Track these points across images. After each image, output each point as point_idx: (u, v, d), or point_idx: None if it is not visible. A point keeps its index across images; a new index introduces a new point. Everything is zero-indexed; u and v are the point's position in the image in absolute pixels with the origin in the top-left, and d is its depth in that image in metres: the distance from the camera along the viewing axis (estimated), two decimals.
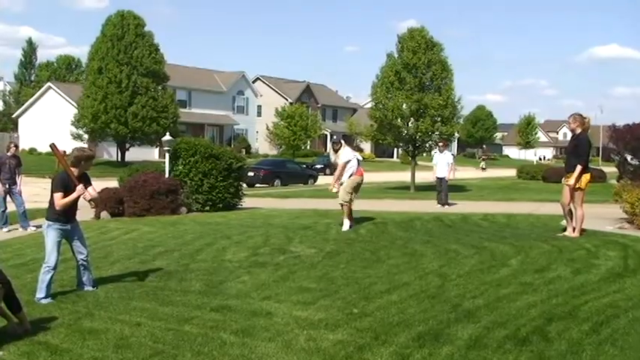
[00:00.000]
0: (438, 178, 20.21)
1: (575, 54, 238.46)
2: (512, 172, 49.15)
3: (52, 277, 7.41)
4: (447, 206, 19.42)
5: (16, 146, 14.89)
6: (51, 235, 7.51)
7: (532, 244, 10.31)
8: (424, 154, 37.79)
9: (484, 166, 67.59)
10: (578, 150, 11.18)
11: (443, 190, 20.06)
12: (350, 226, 12.72)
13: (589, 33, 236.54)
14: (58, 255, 7.49)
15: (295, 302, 6.91)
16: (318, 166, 50.82)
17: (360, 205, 14.46)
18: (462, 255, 9.51)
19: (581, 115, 11.24)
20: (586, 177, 11.15)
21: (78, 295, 7.50)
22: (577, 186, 11.11)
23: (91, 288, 7.76)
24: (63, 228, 7.56)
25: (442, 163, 20.16)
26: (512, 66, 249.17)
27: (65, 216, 7.55)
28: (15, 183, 14.34)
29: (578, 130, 11.19)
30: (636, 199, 12.68)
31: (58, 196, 7.37)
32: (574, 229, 11.34)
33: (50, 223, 7.52)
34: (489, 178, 44.83)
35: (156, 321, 6.26)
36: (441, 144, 21.43)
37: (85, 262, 7.77)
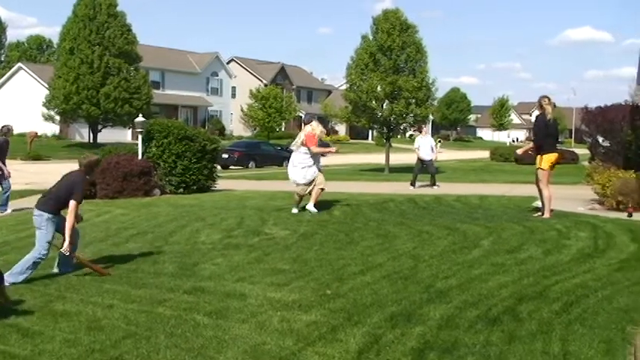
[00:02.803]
0: (421, 160, 20.35)
1: (549, 37, 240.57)
2: (485, 154, 49.46)
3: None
4: (435, 187, 19.77)
5: (9, 130, 14.82)
6: (52, 227, 7.65)
7: (504, 225, 10.42)
8: (398, 136, 37.87)
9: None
10: (534, 130, 11.94)
11: (431, 171, 20.34)
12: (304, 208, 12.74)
13: (562, 15, 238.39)
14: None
15: (269, 284, 6.92)
16: (293, 148, 50.72)
17: (335, 187, 14.49)
18: (435, 236, 9.58)
19: (541, 99, 11.58)
20: (549, 157, 11.42)
21: (50, 277, 7.44)
22: (539, 167, 11.47)
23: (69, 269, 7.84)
24: (58, 220, 7.72)
25: (426, 146, 20.40)
26: (486, 49, 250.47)
27: (59, 209, 7.75)
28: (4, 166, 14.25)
29: (538, 113, 11.69)
30: (607, 181, 12.86)
31: (76, 205, 7.64)
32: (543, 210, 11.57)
33: (51, 216, 7.64)
34: (463, 160, 45.08)
35: (129, 303, 6.24)
36: (416, 128, 21.68)
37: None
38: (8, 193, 14.27)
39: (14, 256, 8.52)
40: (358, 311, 5.85)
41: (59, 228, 7.75)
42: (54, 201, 7.70)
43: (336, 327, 5.44)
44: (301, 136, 12.82)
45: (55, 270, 7.81)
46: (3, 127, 14.78)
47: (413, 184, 19.95)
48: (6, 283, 6.68)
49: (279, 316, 5.74)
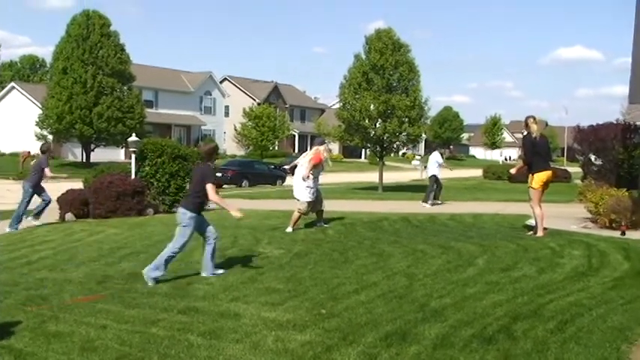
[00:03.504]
0: (430, 176, 20.82)
1: (540, 56, 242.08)
2: (478, 173, 49.60)
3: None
4: (436, 204, 20.10)
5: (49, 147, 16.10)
6: (192, 226, 8.38)
7: (498, 243, 10.42)
8: (392, 155, 37.88)
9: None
10: (523, 150, 12.08)
11: (437, 186, 20.59)
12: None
13: (554, 34, 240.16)
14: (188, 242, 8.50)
15: (263, 303, 6.89)
16: (286, 167, 50.64)
17: (329, 206, 14.47)
18: (429, 255, 9.58)
19: (527, 119, 11.73)
20: (539, 176, 11.49)
21: (42, 297, 7.39)
22: (529, 185, 11.58)
23: (219, 272, 8.64)
24: (199, 217, 8.46)
25: (433, 163, 20.81)
26: (478, 68, 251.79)
27: (201, 206, 8.51)
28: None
29: (525, 132, 11.81)
30: (600, 199, 12.89)
31: (212, 186, 8.29)
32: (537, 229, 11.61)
33: (194, 215, 8.36)
34: (456, 179, 45.17)
35: (122, 324, 6.19)
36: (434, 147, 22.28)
37: (214, 246, 8.64)
38: (46, 205, 14.99)
39: (5, 276, 8.50)
40: (353, 331, 5.83)
41: (201, 228, 8.52)
42: (193, 197, 8.47)
43: (330, 347, 5.41)
44: (309, 154, 12.97)
45: (204, 274, 8.54)
46: (43, 144, 16.01)
47: (428, 199, 20.22)
48: (147, 277, 7.96)
49: (273, 336, 5.71)
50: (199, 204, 8.46)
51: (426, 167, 25.11)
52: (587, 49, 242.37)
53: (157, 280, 8.09)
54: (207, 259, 8.59)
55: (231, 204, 9.66)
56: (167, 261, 8.31)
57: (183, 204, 8.62)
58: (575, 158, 39.30)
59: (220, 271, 8.67)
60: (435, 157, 20.96)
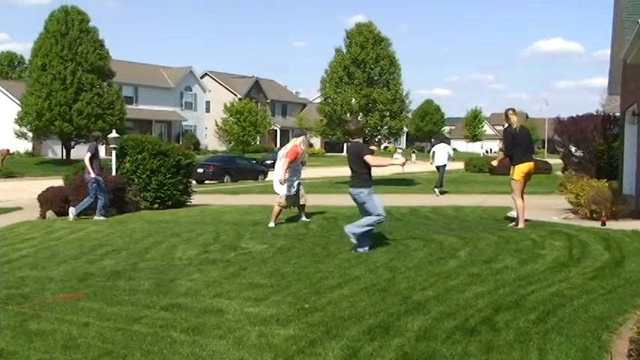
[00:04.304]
0: (437, 166, 22.48)
1: (521, 48, 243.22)
2: (459, 165, 49.79)
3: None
4: (441, 192, 21.81)
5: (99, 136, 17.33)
6: (373, 196, 9.25)
7: (480, 235, 10.47)
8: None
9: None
10: (503, 142, 12.13)
11: (441, 175, 22.36)
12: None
13: (534, 27, 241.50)
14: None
15: (246, 298, 6.88)
16: (268, 162, 50.52)
17: (311, 200, 14.47)
18: (412, 248, 9.60)
19: (508, 111, 11.75)
20: (520, 168, 11.52)
21: (23, 296, 7.34)
22: (510, 177, 11.65)
23: (361, 249, 9.30)
24: (374, 192, 9.31)
25: (442, 153, 22.46)
26: (459, 61, 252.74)
27: (371, 180, 9.29)
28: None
29: (505, 125, 11.87)
30: (580, 190, 13.01)
31: (370, 156, 9.12)
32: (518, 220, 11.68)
33: (370, 189, 9.22)
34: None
35: (104, 321, 6.16)
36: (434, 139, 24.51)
37: (373, 222, 9.31)
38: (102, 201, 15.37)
39: None
40: (336, 324, 5.83)
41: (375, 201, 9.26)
42: (358, 174, 9.22)
43: (314, 341, 5.41)
44: (287, 147, 12.96)
45: (347, 228, 9.43)
46: (93, 133, 17.40)
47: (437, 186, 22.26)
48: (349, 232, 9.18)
49: (256, 331, 5.70)
50: (368, 179, 9.24)
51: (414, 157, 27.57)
52: (567, 41, 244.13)
53: (356, 236, 9.25)
54: (361, 224, 9.28)
55: (394, 160, 11.17)
56: (378, 223, 9.38)
57: (355, 184, 9.29)
58: (555, 150, 39.60)
59: (363, 249, 9.30)
60: (446, 148, 22.78)
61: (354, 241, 9.30)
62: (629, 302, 6.36)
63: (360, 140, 9.69)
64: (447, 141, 23.34)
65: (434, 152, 22.93)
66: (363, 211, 9.41)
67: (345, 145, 71.08)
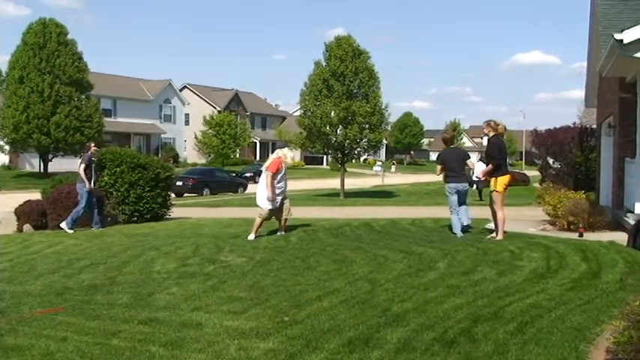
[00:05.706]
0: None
1: (499, 61, 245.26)
2: (439, 178, 50.03)
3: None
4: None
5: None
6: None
7: (458, 247, 10.51)
8: (353, 161, 37.92)
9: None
10: (489, 152, 11.87)
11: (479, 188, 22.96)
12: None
13: (512, 40, 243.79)
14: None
15: (226, 312, 6.85)
16: (248, 175, 50.56)
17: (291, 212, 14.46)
18: (391, 260, 9.62)
19: (494, 122, 11.80)
20: (502, 179, 11.53)
21: (0, 311, 7.25)
22: (493, 189, 11.59)
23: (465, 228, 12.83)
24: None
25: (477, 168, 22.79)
26: (438, 73, 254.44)
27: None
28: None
29: (491, 134, 11.78)
30: (558, 202, 13.11)
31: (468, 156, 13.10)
32: (497, 232, 11.71)
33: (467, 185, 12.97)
34: (417, 184, 45.52)
35: (82, 335, 6.10)
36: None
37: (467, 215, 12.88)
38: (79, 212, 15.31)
39: None
40: (316, 337, 5.82)
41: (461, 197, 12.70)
42: (459, 172, 12.68)
43: (294, 354, 5.40)
44: (270, 159, 12.94)
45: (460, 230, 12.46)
46: (88, 144, 17.67)
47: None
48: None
49: (236, 345, 5.68)
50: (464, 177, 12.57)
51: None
52: (545, 54, 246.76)
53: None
54: (469, 214, 12.91)
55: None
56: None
57: (462, 180, 12.73)
58: (533, 162, 39.92)
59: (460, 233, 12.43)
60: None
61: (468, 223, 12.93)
62: (606, 313, 6.41)
63: (453, 146, 12.26)
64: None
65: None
66: (462, 201, 12.67)
67: (325, 157, 71.25)
